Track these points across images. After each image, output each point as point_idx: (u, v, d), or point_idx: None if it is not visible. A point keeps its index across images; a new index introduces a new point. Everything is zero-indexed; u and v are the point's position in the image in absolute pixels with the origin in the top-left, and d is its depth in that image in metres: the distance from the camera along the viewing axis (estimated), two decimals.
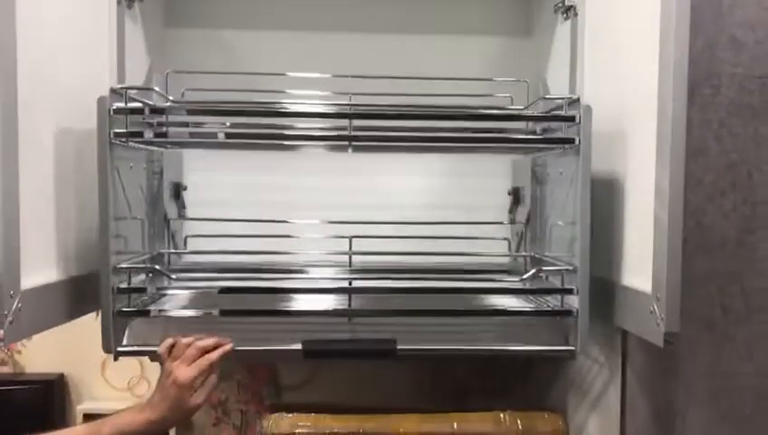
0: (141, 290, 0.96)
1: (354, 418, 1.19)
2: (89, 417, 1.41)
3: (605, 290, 0.93)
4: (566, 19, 1.11)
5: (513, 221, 1.28)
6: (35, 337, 1.50)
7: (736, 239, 0.87)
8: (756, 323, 0.87)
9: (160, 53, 1.24)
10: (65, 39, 0.92)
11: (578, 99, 0.92)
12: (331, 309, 1.00)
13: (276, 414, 1.22)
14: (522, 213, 1.25)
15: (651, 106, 0.81)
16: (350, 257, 1.11)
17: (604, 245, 0.94)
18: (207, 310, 0.97)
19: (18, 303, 0.78)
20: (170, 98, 1.01)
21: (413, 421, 1.17)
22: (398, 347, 0.94)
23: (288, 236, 1.19)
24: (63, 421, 1.49)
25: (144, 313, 0.95)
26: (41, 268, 0.85)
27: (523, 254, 1.22)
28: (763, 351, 0.87)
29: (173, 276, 1.01)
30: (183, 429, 1.41)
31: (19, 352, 1.52)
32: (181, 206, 1.23)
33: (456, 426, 1.18)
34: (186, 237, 1.24)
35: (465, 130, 1.10)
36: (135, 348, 0.94)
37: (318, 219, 1.22)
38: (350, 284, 1.05)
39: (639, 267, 0.85)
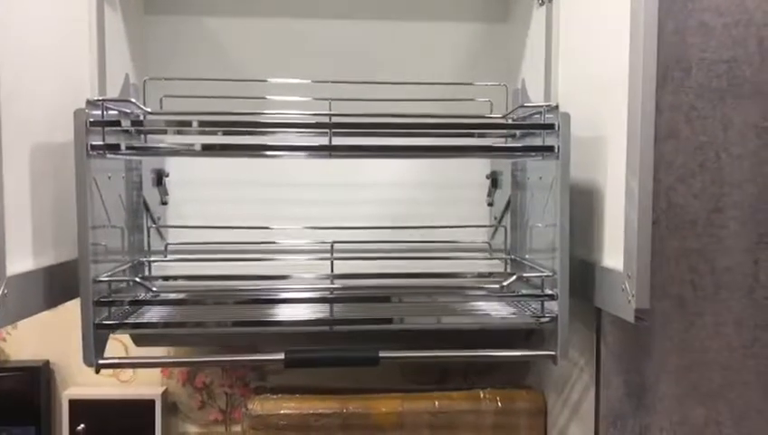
0: (120, 303, 0.96)
1: (337, 399, 1.21)
2: (75, 403, 1.42)
3: (583, 271, 0.96)
4: (541, 5, 1.12)
5: (491, 204, 1.30)
6: (20, 325, 1.51)
7: (706, 219, 0.89)
8: (724, 299, 0.90)
9: (141, 41, 1.24)
10: (42, 32, 0.92)
11: (557, 106, 0.94)
12: (313, 319, 1.01)
13: (261, 396, 1.24)
14: (500, 197, 1.27)
15: (623, 90, 0.83)
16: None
17: (582, 226, 0.97)
18: (188, 320, 1.00)
19: (4, 289, 0.79)
20: (148, 110, 1.01)
21: (395, 401, 1.20)
22: (381, 355, 0.95)
23: (267, 233, 1.22)
24: (50, 408, 1.50)
25: (124, 326, 0.97)
26: (26, 255, 0.86)
27: (504, 256, 1.24)
28: (730, 326, 0.90)
29: (153, 288, 1.02)
30: (168, 413, 1.43)
31: (4, 340, 1.53)
32: (163, 192, 1.24)
33: (437, 404, 1.21)
34: (166, 245, 1.25)
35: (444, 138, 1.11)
36: (117, 360, 0.95)
37: (300, 195, 1.25)
38: (332, 293, 1.06)
39: (613, 247, 0.88)
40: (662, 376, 0.91)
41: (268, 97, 1.15)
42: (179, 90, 1.15)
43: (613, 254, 0.88)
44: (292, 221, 1.27)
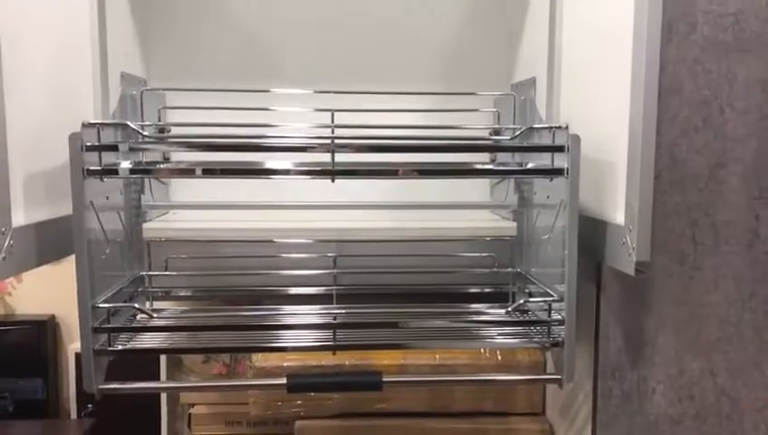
0: (120, 330, 0.96)
1: (340, 352, 1.22)
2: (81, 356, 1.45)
3: (584, 224, 0.96)
4: None
5: (493, 160, 1.30)
6: (25, 280, 1.53)
7: (708, 174, 0.89)
8: (724, 254, 0.91)
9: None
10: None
11: (567, 127, 0.92)
12: (316, 345, 0.99)
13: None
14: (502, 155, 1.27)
15: (627, 44, 0.83)
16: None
17: (584, 180, 0.97)
18: (189, 346, 1.01)
19: (10, 240, 0.80)
20: (145, 133, 1.00)
21: (397, 355, 1.22)
22: (384, 380, 0.94)
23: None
24: (56, 361, 1.52)
25: (124, 352, 0.95)
26: (31, 206, 0.87)
27: (509, 269, 1.22)
28: (728, 280, 0.91)
29: (154, 315, 1.03)
30: (173, 366, 1.45)
31: (9, 294, 1.54)
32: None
33: (437, 358, 1.23)
34: (167, 259, 1.23)
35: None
36: (118, 386, 0.93)
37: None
38: (335, 318, 1.05)
39: (615, 202, 0.88)
40: (660, 329, 0.92)
41: (271, 108, 1.13)
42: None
43: (615, 208, 0.89)
44: (291, 192, 1.27)
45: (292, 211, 1.26)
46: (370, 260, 1.20)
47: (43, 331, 1.50)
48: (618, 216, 0.85)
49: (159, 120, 1.20)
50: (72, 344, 1.49)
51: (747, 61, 0.88)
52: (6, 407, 1.47)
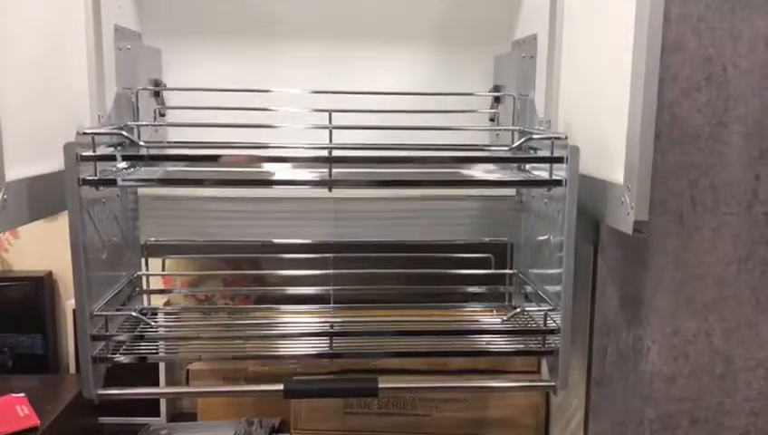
0: (118, 338, 0.96)
1: (338, 308, 1.23)
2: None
3: (583, 183, 0.95)
4: None
5: (493, 118, 1.28)
6: (22, 236, 1.53)
7: (709, 133, 0.89)
8: (722, 214, 0.90)
9: None
10: None
11: (566, 138, 0.91)
12: (314, 353, 0.99)
13: (264, 306, 1.26)
14: (503, 112, 1.26)
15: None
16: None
17: (583, 139, 0.96)
18: (184, 355, 1.02)
19: (3, 194, 0.79)
20: (141, 143, 1.01)
21: (395, 312, 1.22)
22: (380, 386, 0.95)
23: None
24: (54, 317, 1.53)
25: (122, 359, 0.95)
26: (25, 161, 0.86)
27: (507, 271, 1.22)
28: (726, 241, 0.91)
29: (152, 323, 1.04)
30: None
31: (6, 250, 1.54)
32: (161, 103, 1.23)
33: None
34: (164, 259, 1.24)
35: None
36: (117, 391, 0.94)
37: (298, 107, 1.20)
38: (332, 327, 1.04)
39: (614, 160, 0.87)
40: (657, 289, 0.92)
41: (269, 108, 1.12)
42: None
43: (614, 167, 0.88)
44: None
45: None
46: (367, 262, 1.20)
47: (41, 287, 1.50)
48: (617, 175, 0.84)
49: (157, 85, 1.19)
50: (70, 301, 1.49)
51: (752, 18, 0.86)
52: (5, 362, 1.48)
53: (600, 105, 0.92)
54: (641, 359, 0.94)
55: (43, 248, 1.52)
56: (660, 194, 0.88)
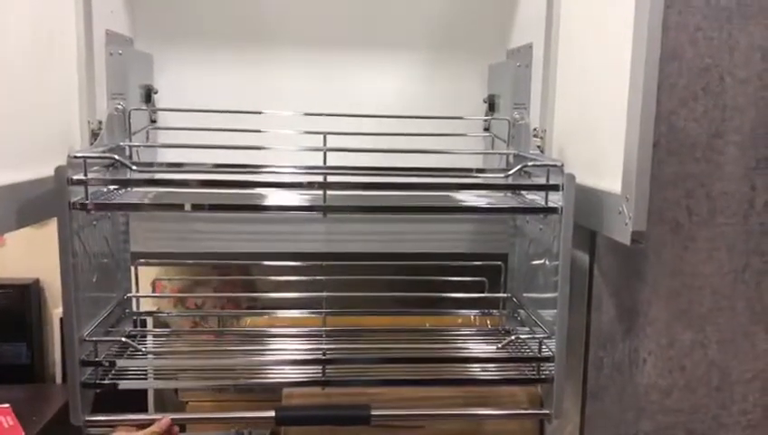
0: (107, 365, 0.95)
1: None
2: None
3: (580, 193, 0.95)
4: None
5: (487, 129, 1.28)
6: (9, 243, 1.51)
7: (705, 143, 0.88)
8: (718, 225, 0.90)
9: None
10: None
11: (562, 165, 0.90)
12: (305, 380, 0.99)
13: (257, 311, 1.24)
14: (497, 123, 1.25)
15: (629, 10, 0.81)
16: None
17: (581, 149, 0.95)
18: (176, 384, 1.04)
19: None
20: (134, 168, 1.00)
21: (385, 319, 1.22)
22: (372, 413, 0.94)
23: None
24: (41, 326, 1.51)
25: (111, 386, 0.94)
26: (13, 167, 0.84)
27: (501, 295, 1.20)
28: (723, 252, 0.90)
29: (142, 349, 1.03)
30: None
31: None
32: (152, 105, 1.21)
33: (427, 326, 1.22)
34: (154, 280, 1.23)
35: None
36: (104, 417, 0.92)
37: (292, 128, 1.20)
38: (324, 354, 1.05)
39: (611, 170, 0.87)
40: (653, 300, 0.91)
41: (263, 130, 1.12)
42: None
43: (611, 176, 0.87)
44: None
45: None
46: (360, 282, 1.18)
47: (27, 295, 1.48)
48: (615, 184, 0.83)
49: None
50: (57, 309, 1.47)
51: (749, 28, 0.86)
52: None
53: (596, 114, 0.92)
54: (637, 371, 0.93)
55: (30, 255, 1.50)
56: (656, 204, 0.88)
